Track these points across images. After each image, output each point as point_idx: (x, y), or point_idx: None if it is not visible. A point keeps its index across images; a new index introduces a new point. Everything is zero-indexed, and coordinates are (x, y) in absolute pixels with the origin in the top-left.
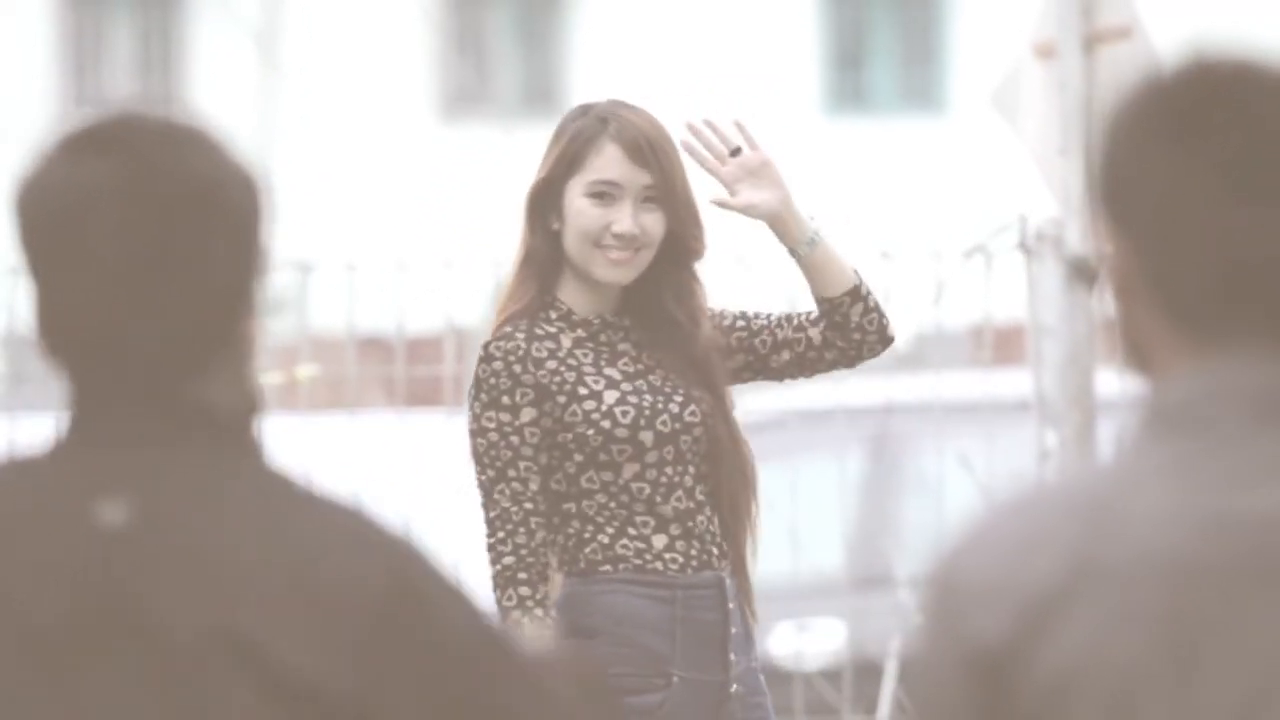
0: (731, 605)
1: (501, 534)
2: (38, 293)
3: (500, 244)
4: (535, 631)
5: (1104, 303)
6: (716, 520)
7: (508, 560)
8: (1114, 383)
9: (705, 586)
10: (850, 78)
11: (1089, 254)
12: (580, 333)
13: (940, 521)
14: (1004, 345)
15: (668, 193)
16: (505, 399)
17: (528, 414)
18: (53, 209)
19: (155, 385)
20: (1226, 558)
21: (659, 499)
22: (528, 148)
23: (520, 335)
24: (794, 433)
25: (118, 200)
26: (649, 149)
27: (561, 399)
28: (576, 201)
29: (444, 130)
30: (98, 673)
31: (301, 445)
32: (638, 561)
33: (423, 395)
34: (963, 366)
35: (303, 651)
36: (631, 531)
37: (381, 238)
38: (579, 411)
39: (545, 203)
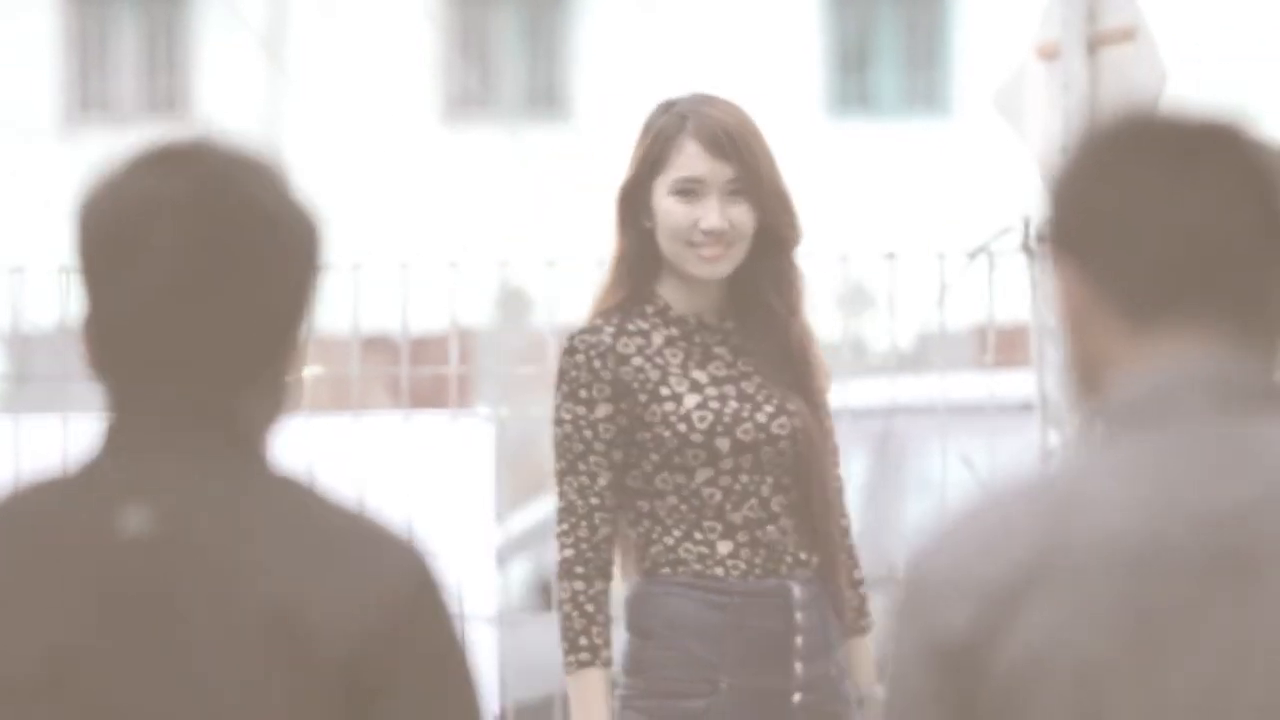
0: (800, 615)
1: (566, 525)
2: (91, 301)
3: (504, 245)
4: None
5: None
6: (796, 530)
7: (568, 553)
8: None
9: (768, 595)
10: (854, 80)
11: None
12: (674, 331)
13: (939, 518)
14: (1007, 346)
15: (753, 184)
16: (583, 392)
17: (603, 409)
18: (117, 221)
19: (193, 399)
20: (1187, 550)
21: (729, 506)
22: (531, 150)
23: (608, 330)
24: None
25: (182, 216)
26: (729, 141)
27: (643, 397)
28: (663, 201)
29: (448, 133)
30: (131, 677)
31: (305, 446)
32: (698, 566)
33: (427, 395)
34: (966, 368)
35: (331, 633)
36: (697, 536)
37: (386, 239)
38: (658, 412)
39: (634, 203)
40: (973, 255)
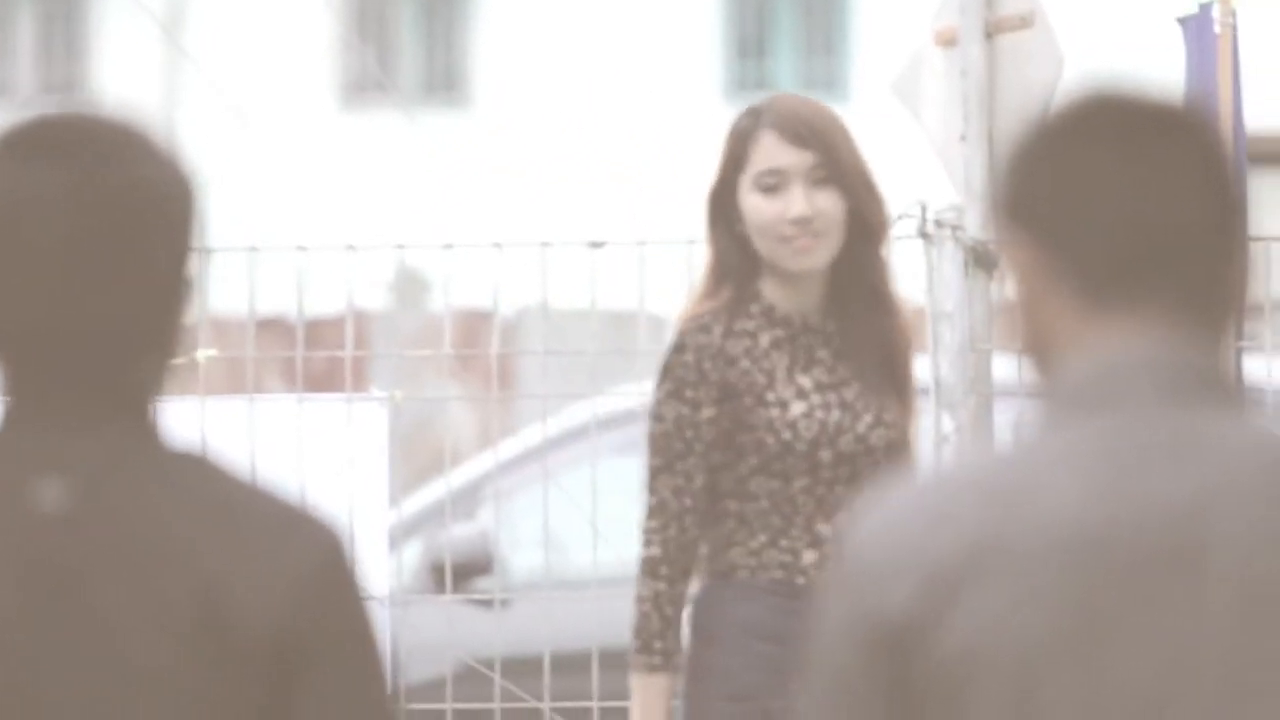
0: None
1: (655, 523)
2: None
3: (401, 228)
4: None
5: (1002, 288)
6: None
7: (654, 550)
8: (1011, 368)
9: None
10: (752, 66)
11: (988, 240)
12: (780, 332)
13: (878, 498)
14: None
15: (837, 169)
16: (689, 393)
17: (708, 412)
18: (5, 211)
19: (92, 375)
20: (1132, 541)
21: (820, 516)
22: (429, 134)
23: (717, 330)
24: None
25: (62, 203)
26: (807, 129)
27: (748, 400)
28: (749, 199)
29: (346, 117)
30: (53, 655)
31: (200, 427)
32: (779, 574)
33: (322, 378)
34: None
35: (249, 609)
36: (783, 543)
37: (283, 222)
38: (762, 417)
39: (723, 206)
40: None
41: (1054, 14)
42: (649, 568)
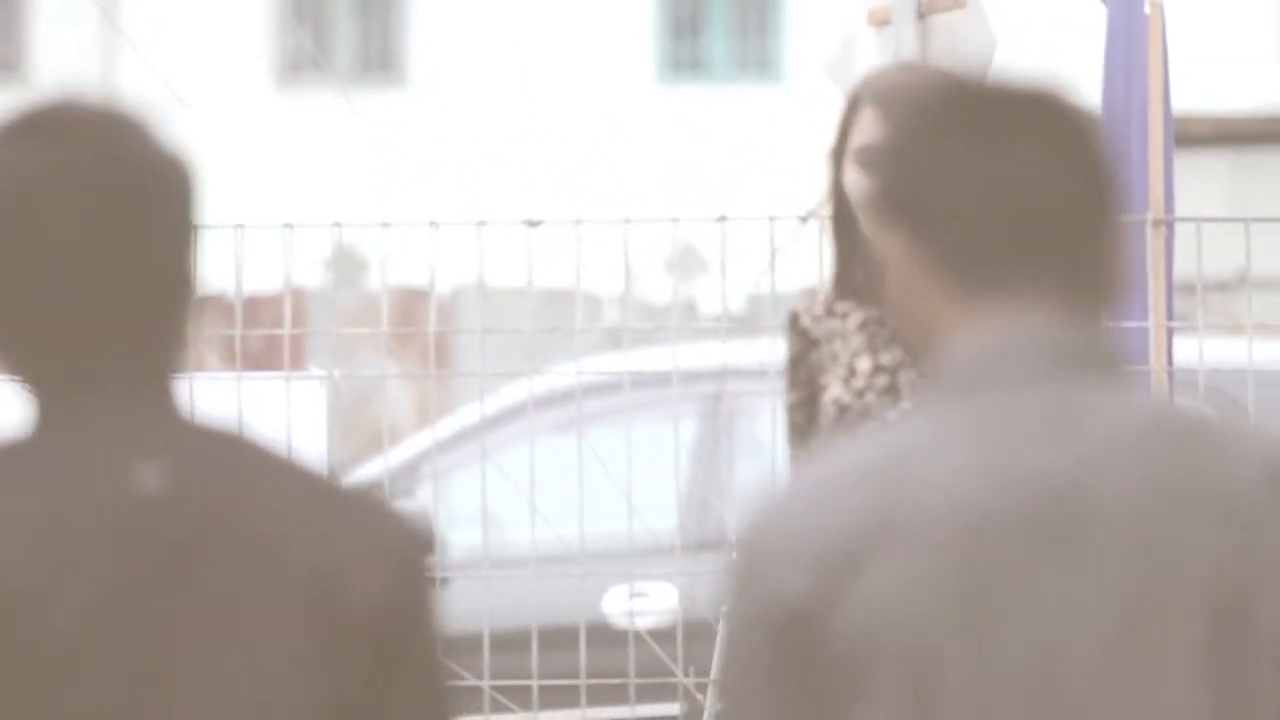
0: None
1: None
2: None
3: (337, 208)
4: None
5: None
6: None
7: None
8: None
9: None
10: (686, 46)
11: None
12: (872, 313)
13: (773, 484)
14: None
15: None
16: (788, 373)
17: (794, 395)
18: (8, 200)
19: (137, 355)
20: (1016, 515)
21: None
22: (365, 114)
23: (817, 310)
24: (629, 395)
25: (73, 188)
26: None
27: (817, 385)
28: (849, 174)
29: (282, 97)
30: (165, 640)
31: None
32: None
33: (260, 356)
34: None
35: (361, 590)
36: None
37: (220, 201)
38: (819, 402)
39: (835, 182)
40: (804, 219)
41: None
42: None
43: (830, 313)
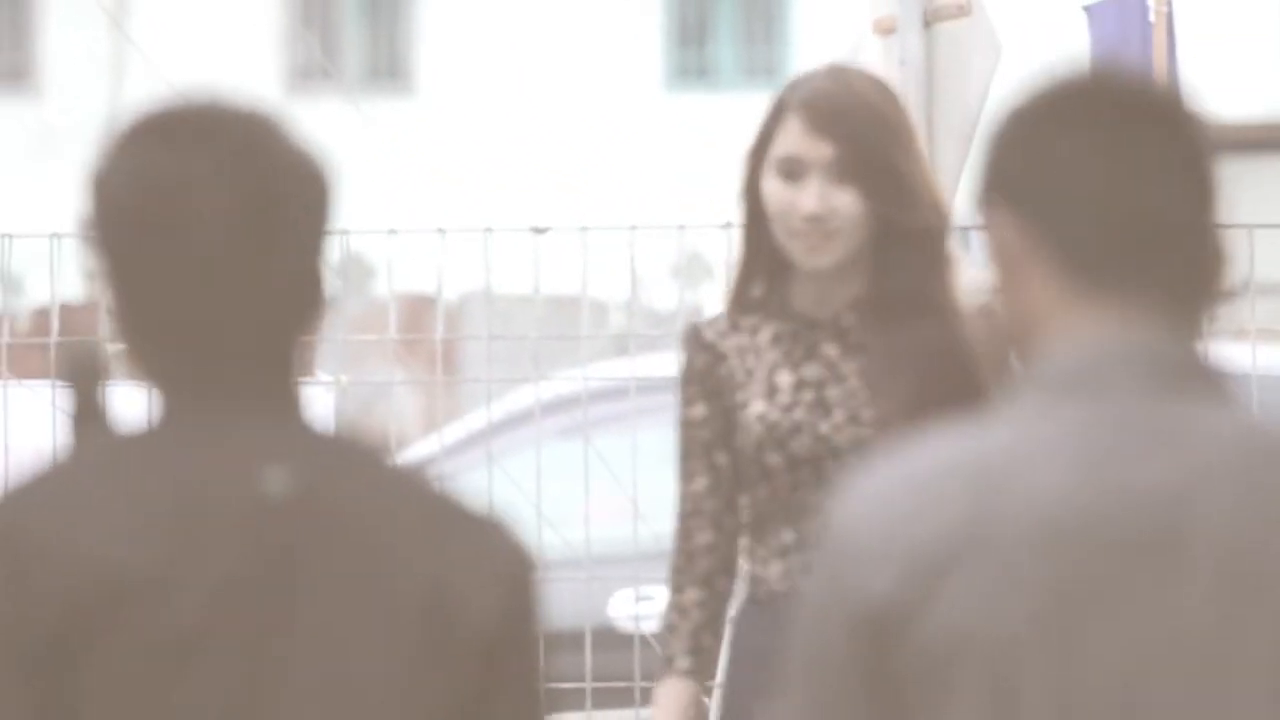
0: None
1: (675, 530)
2: (137, 276)
3: (347, 214)
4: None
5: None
6: None
7: (671, 561)
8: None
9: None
10: (693, 54)
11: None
12: (784, 327)
13: (863, 480)
14: None
15: (860, 166)
16: (684, 389)
17: (699, 409)
18: (152, 199)
19: (270, 359)
20: (1112, 530)
21: (785, 525)
22: (373, 122)
23: (721, 323)
24: (635, 400)
25: (214, 189)
26: (832, 117)
27: (728, 401)
28: (768, 182)
29: (291, 104)
30: (283, 644)
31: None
32: (752, 587)
33: None
34: None
35: (474, 605)
36: (760, 553)
37: None
38: (738, 419)
39: (751, 185)
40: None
41: (991, 2)
42: (668, 580)
43: (735, 327)
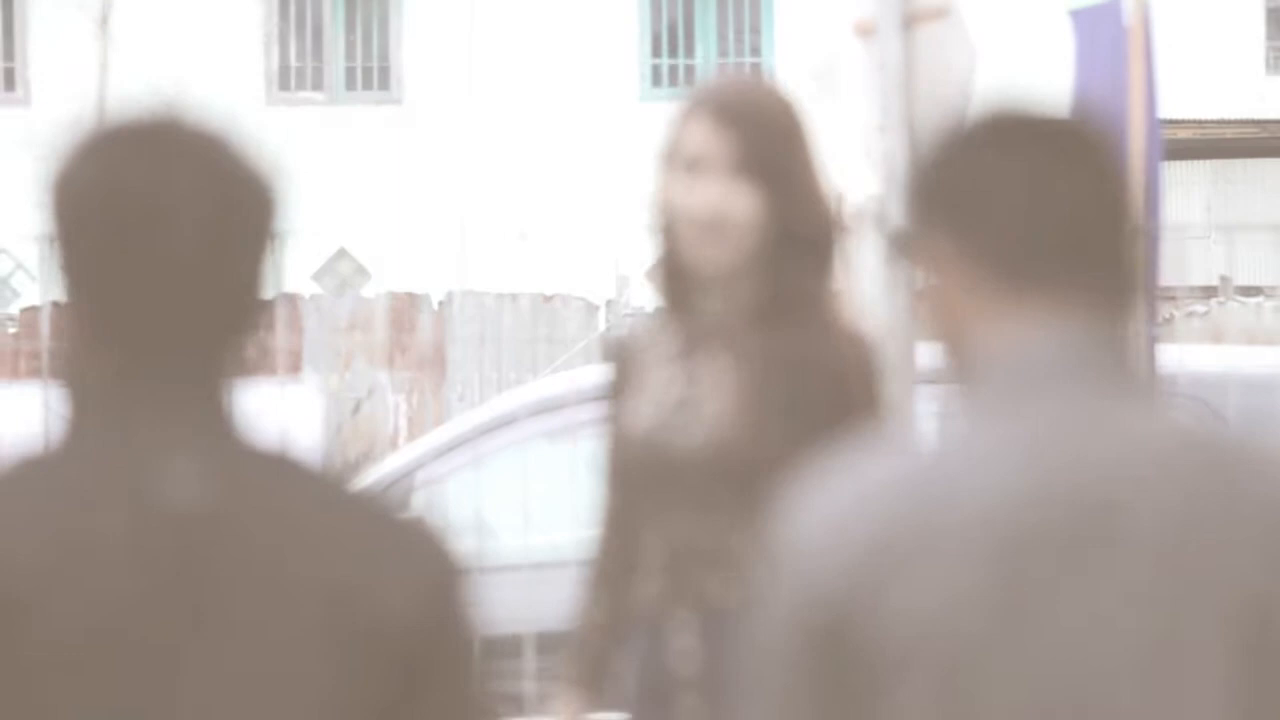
0: (688, 664)
1: (595, 544)
2: (89, 278)
3: (331, 217)
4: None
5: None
6: (722, 563)
7: (590, 574)
8: (934, 355)
9: (658, 628)
10: (676, 59)
11: (910, 229)
12: (681, 333)
13: (809, 489)
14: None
15: (760, 165)
16: (604, 402)
17: (611, 418)
18: (99, 208)
19: (205, 368)
20: (1052, 521)
21: (642, 533)
22: (356, 126)
23: (638, 332)
24: None
25: (162, 198)
26: (733, 118)
27: (624, 407)
28: (666, 181)
29: (275, 109)
30: (185, 648)
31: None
32: (629, 603)
33: (255, 364)
34: None
35: (382, 614)
36: (635, 567)
37: None
38: (620, 427)
39: (665, 190)
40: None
41: (968, 4)
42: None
43: (652, 334)
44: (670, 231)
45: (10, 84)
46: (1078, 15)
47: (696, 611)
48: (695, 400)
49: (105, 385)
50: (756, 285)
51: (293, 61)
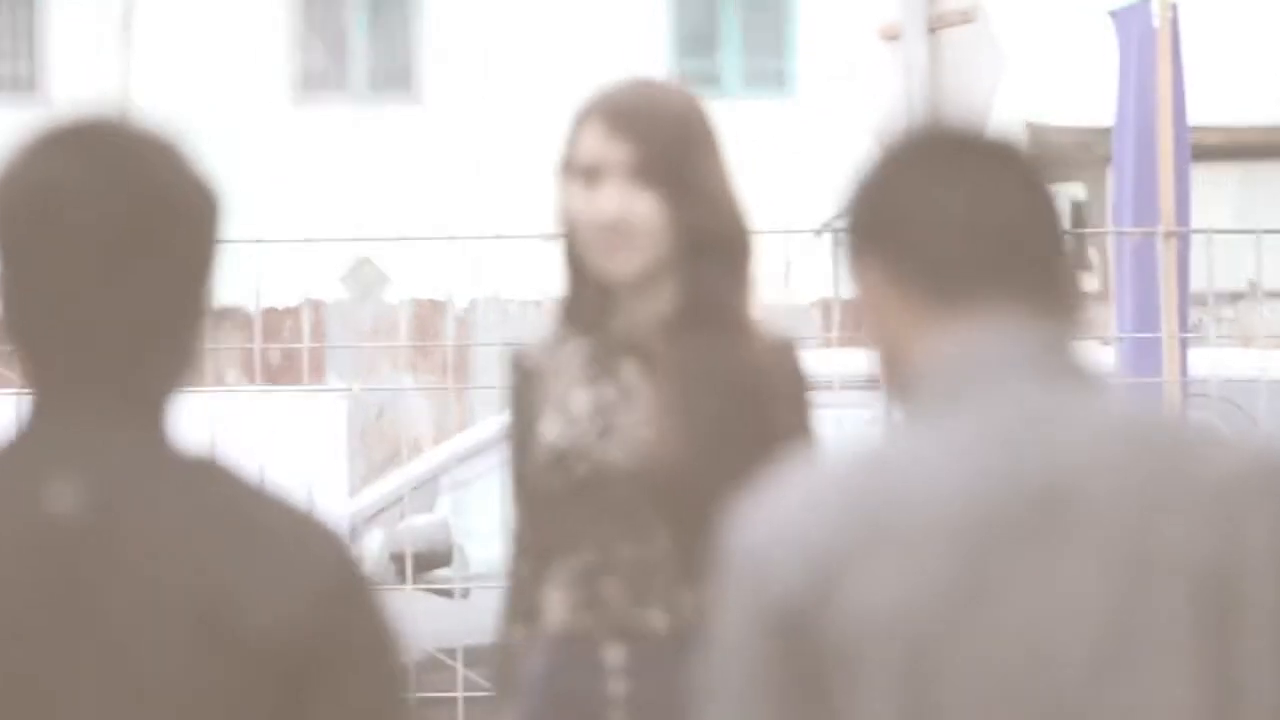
0: (622, 684)
1: (508, 562)
2: (7, 281)
3: (354, 221)
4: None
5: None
6: (653, 584)
7: (505, 595)
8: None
9: (577, 655)
10: (698, 62)
11: None
12: (589, 345)
13: (758, 493)
14: (851, 323)
15: (658, 170)
16: (507, 417)
17: (515, 438)
18: (27, 204)
19: (110, 372)
20: (1004, 510)
21: (565, 553)
22: (380, 128)
23: (539, 346)
24: None
25: (88, 200)
26: (630, 121)
27: (531, 426)
28: (566, 189)
29: (298, 111)
30: (55, 658)
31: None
32: (535, 619)
33: (280, 370)
34: (810, 343)
35: (260, 617)
36: (544, 583)
37: (238, 215)
38: (528, 441)
39: (565, 197)
40: (817, 232)
41: (994, 8)
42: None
43: (551, 348)
44: (572, 241)
45: (31, 86)
46: (1118, 15)
47: (622, 632)
48: (611, 415)
49: (24, 389)
50: (665, 294)
51: (316, 63)
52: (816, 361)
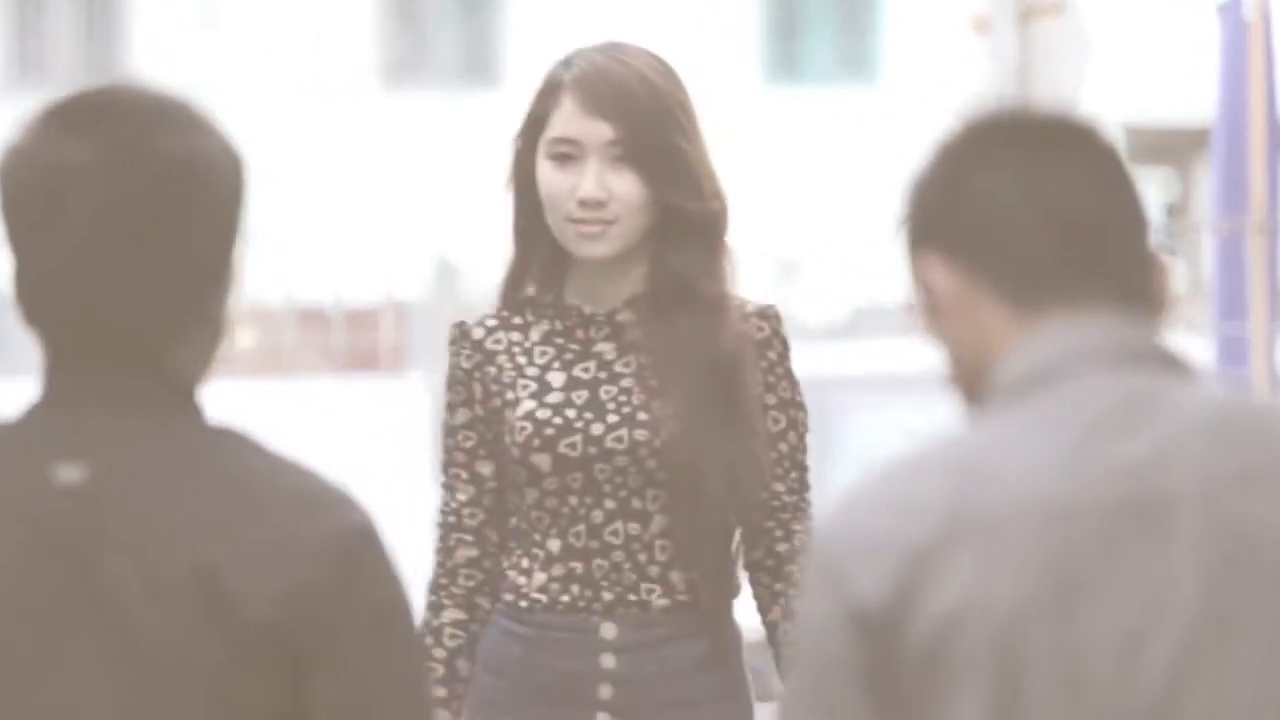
0: (614, 660)
1: (435, 545)
2: (18, 260)
3: (440, 210)
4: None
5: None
6: (648, 563)
7: (430, 578)
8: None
9: (569, 630)
10: (788, 48)
11: None
12: (557, 324)
13: (847, 490)
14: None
15: (638, 149)
16: (448, 394)
17: (462, 415)
18: (36, 181)
19: (127, 353)
20: (1095, 503)
21: (553, 532)
22: (467, 117)
23: (489, 321)
24: None
25: (99, 175)
26: (607, 97)
27: (497, 403)
28: (541, 166)
29: (385, 98)
30: (55, 628)
31: (241, 411)
32: (509, 597)
33: (362, 363)
34: (898, 337)
35: (258, 590)
36: (524, 563)
37: (324, 204)
38: (506, 420)
39: (525, 170)
40: (903, 225)
41: (1092, 1)
42: (427, 595)
43: (507, 323)
44: (540, 219)
45: (111, 73)
46: (1224, 10)
47: (614, 610)
48: (594, 392)
49: (43, 366)
50: (641, 271)
51: (403, 50)
52: (905, 356)
